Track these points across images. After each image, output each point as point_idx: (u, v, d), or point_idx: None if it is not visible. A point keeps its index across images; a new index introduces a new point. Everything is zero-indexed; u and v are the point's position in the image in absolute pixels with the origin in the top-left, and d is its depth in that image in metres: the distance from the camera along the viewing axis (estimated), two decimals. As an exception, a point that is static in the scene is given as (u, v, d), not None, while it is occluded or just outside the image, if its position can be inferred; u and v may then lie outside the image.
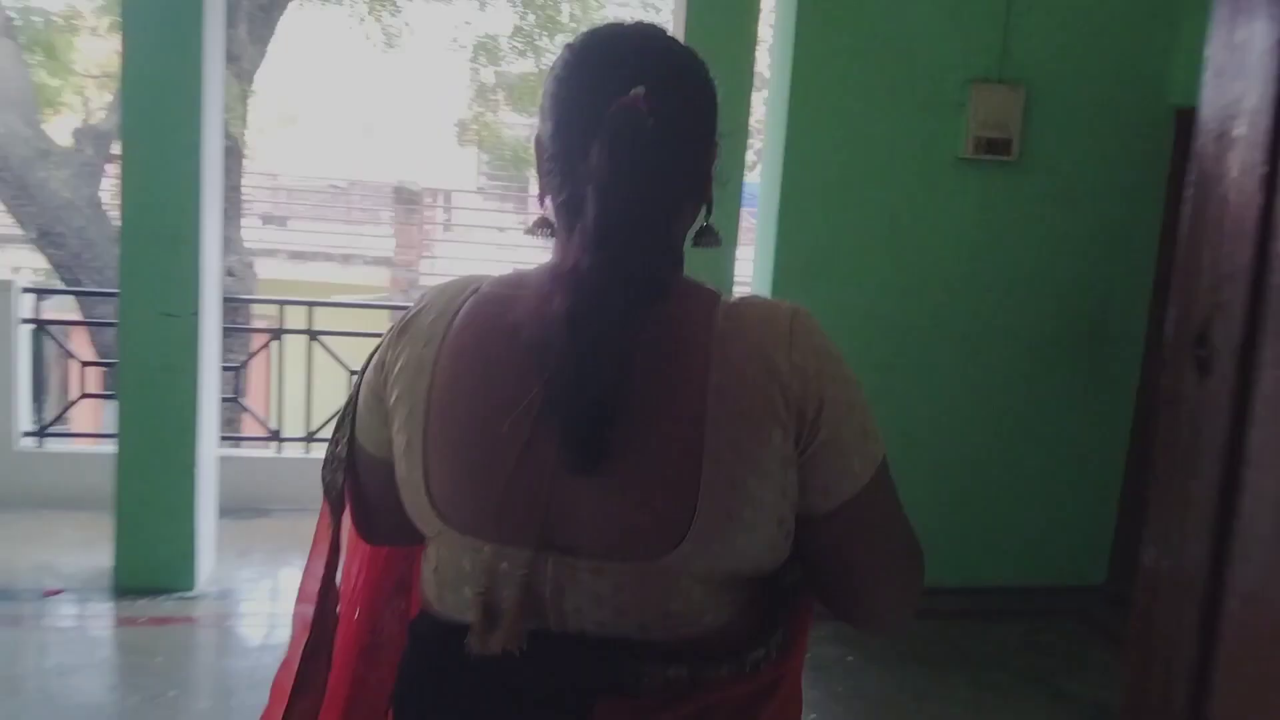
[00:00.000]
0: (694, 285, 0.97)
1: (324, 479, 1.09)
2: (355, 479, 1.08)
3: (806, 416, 0.89)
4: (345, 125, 19.13)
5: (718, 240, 1.02)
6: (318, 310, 5.03)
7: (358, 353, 4.95)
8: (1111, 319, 4.09)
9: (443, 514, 0.94)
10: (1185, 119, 3.92)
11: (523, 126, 16.21)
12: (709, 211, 1.03)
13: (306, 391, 4.91)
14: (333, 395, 4.88)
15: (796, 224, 3.74)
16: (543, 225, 1.01)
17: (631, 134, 0.88)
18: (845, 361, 0.94)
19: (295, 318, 5.01)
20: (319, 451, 4.94)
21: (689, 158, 0.97)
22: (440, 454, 0.94)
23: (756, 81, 3.76)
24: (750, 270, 4.06)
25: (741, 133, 3.53)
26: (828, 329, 0.94)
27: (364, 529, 1.11)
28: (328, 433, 4.36)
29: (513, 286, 0.97)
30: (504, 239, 15.22)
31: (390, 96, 17.81)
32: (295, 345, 4.94)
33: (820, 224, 3.76)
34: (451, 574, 0.95)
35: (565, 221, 0.96)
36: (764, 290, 3.80)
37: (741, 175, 3.66)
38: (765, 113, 3.98)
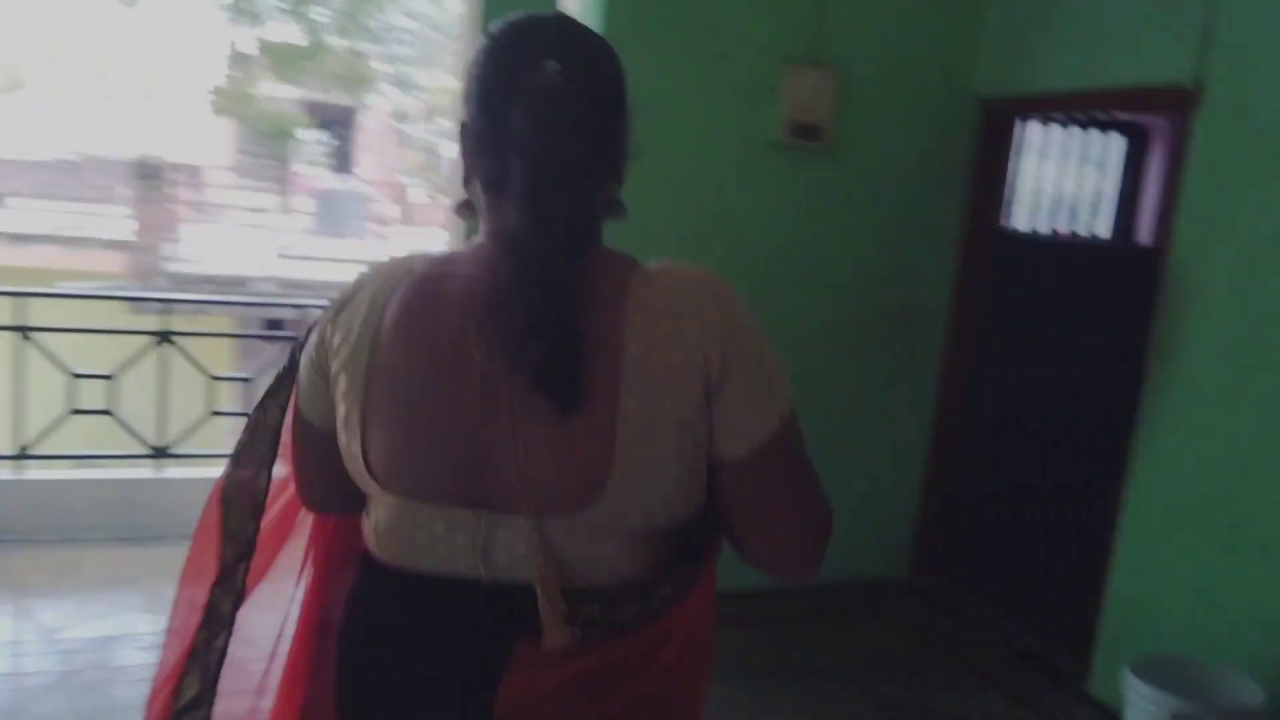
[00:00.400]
0: (610, 251, 1.03)
1: (242, 447, 1.19)
2: (301, 449, 1.15)
3: (715, 373, 0.96)
4: (79, 92, 17.10)
5: (624, 213, 1.09)
6: (34, 303, 4.21)
7: (83, 353, 4.22)
8: (916, 311, 4.02)
9: (380, 479, 1.01)
10: (989, 109, 3.90)
11: (286, 100, 15.06)
12: (618, 185, 1.08)
13: (15, 400, 4.07)
14: (50, 404, 4.14)
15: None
16: (465, 207, 1.08)
17: (550, 104, 0.97)
18: (756, 319, 1.01)
19: (3, 311, 4.16)
20: (33, 472, 4.17)
21: (603, 131, 1.02)
22: (378, 423, 1.01)
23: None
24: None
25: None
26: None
27: (307, 497, 1.18)
28: (42, 449, 3.55)
29: (446, 264, 1.04)
30: (263, 220, 14.05)
31: (132, 61, 16.04)
32: (1, 344, 4.11)
33: (630, 209, 3.43)
34: (389, 531, 1.03)
35: (491, 197, 1.03)
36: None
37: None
38: None
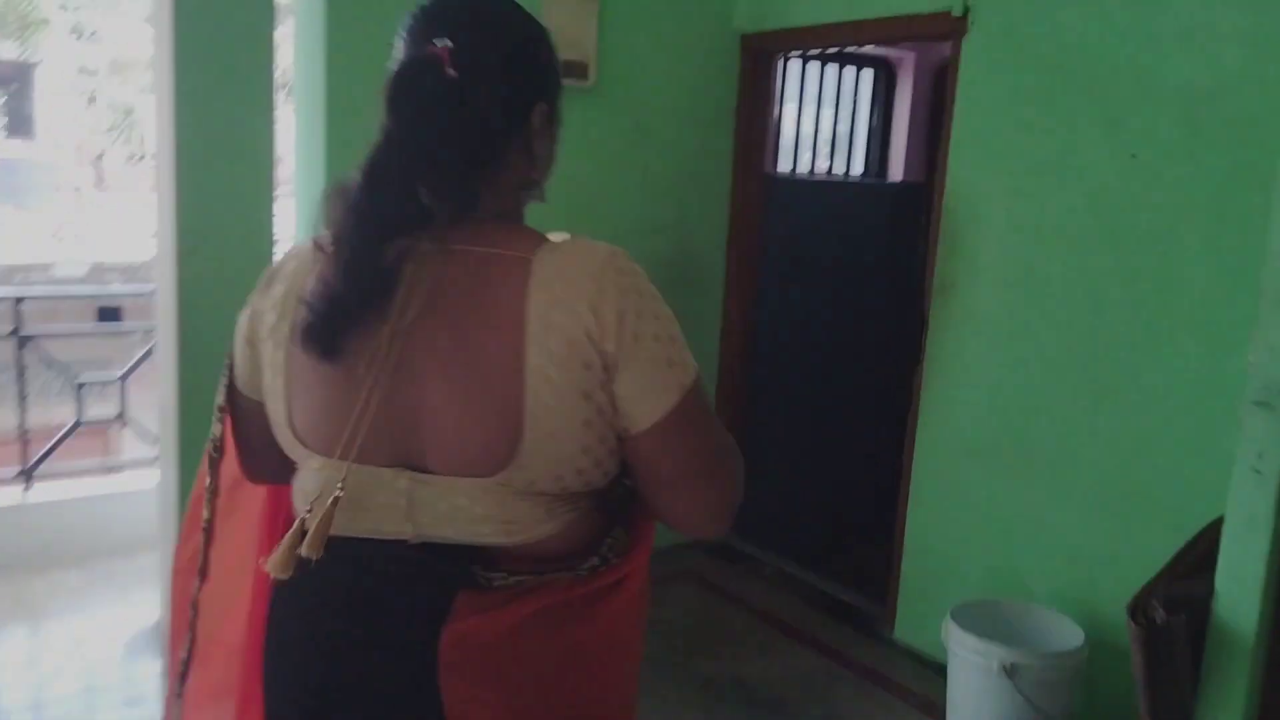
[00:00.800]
0: (518, 231, 1.07)
1: (211, 435, 1.22)
2: (239, 425, 1.20)
3: (613, 349, 1.00)
4: None
5: (540, 196, 1.15)
6: None
7: None
8: (693, 259, 3.84)
9: (304, 440, 1.07)
10: (750, 45, 3.73)
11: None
12: (538, 167, 1.12)
13: None
14: None
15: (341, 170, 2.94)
16: None
17: (413, 82, 1.01)
18: (658, 298, 1.04)
19: None
20: None
21: (500, 111, 1.05)
22: (298, 385, 1.07)
23: (280, 13, 2.86)
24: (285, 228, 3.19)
25: (264, 73, 2.78)
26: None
27: (247, 470, 1.23)
28: None
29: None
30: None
31: None
32: None
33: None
34: (315, 493, 1.05)
35: None
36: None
37: (270, 124, 2.81)
38: (293, 45, 3.10)
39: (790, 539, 3.87)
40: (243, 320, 1.14)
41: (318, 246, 1.07)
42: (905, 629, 3.21)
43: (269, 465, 1.18)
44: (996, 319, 2.92)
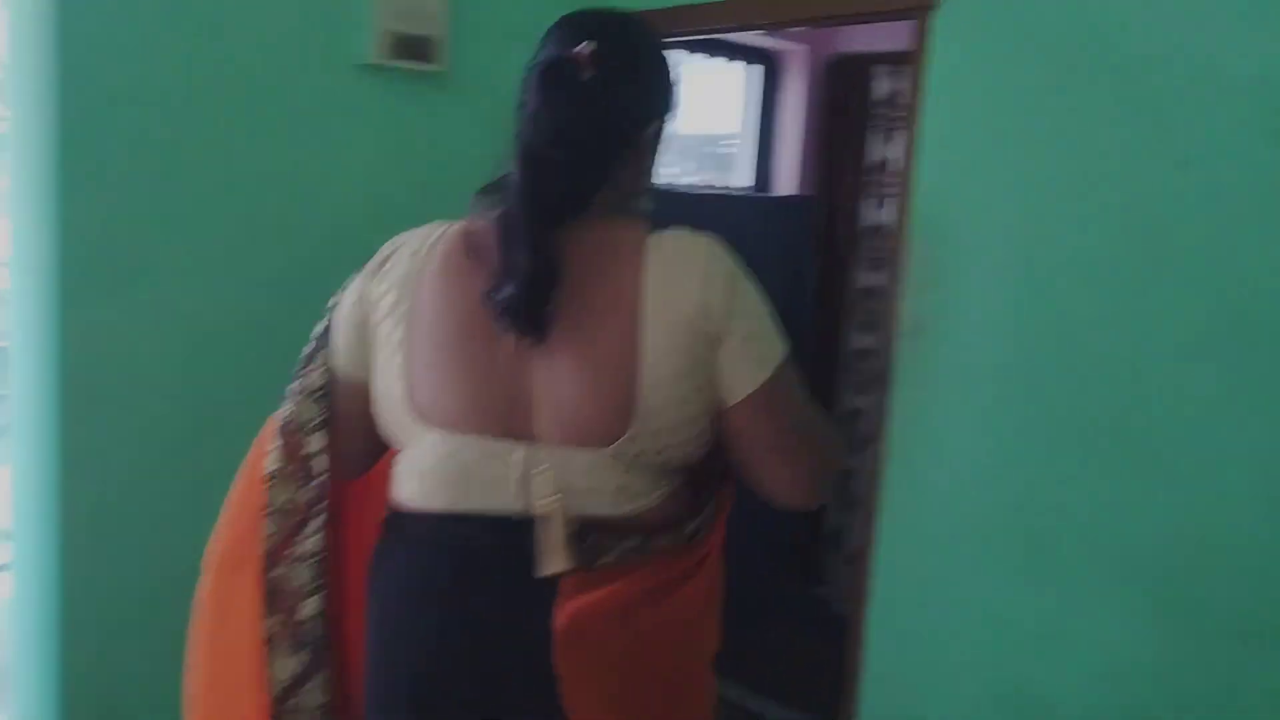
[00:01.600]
0: (628, 220, 1.20)
1: (290, 418, 1.27)
2: (336, 412, 1.27)
3: (718, 327, 1.14)
4: None
5: (646, 203, 1.26)
6: None
7: None
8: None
9: (424, 416, 1.17)
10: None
11: None
12: (644, 179, 1.26)
13: None
14: None
15: (90, 181, 2.01)
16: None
17: (558, 77, 1.14)
18: (750, 280, 1.18)
19: None
20: None
21: (623, 115, 1.21)
22: (421, 363, 1.17)
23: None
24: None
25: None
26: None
27: (343, 465, 1.30)
28: None
29: (478, 221, 1.22)
30: None
31: None
32: None
33: (137, 174, 2.07)
34: (430, 471, 1.17)
35: (510, 157, 1.19)
36: (51, 288, 2.03)
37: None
38: (8, 33, 2.11)
39: (726, 650, 3.14)
40: (347, 304, 1.25)
41: (468, 232, 1.21)
42: (872, 760, 2.55)
43: (357, 450, 1.28)
44: (990, 372, 2.30)
